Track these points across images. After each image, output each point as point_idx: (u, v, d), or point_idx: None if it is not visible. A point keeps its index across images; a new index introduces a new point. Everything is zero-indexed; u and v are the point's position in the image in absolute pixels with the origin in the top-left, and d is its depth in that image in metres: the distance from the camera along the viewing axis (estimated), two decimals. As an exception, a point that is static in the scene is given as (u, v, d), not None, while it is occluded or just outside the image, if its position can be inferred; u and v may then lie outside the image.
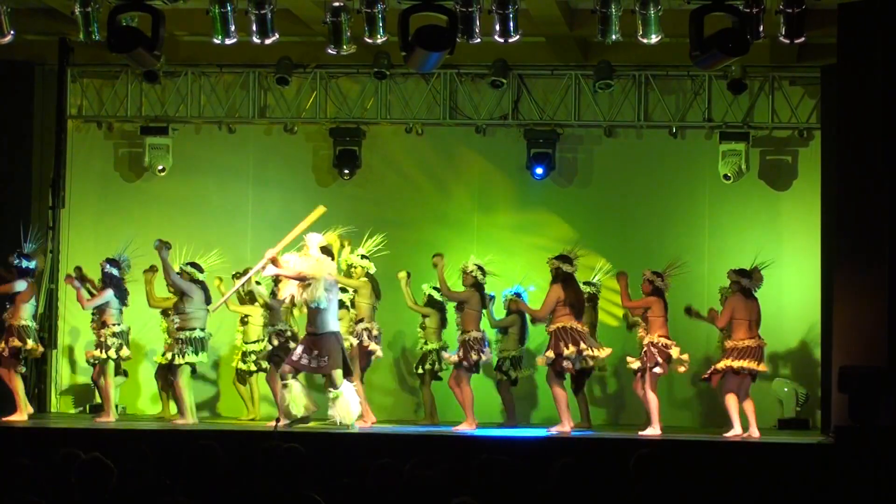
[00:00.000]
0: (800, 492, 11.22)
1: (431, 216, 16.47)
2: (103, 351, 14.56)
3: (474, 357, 14.11)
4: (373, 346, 14.44)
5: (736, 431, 13.59)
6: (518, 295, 14.91)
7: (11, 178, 16.17)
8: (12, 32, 13.50)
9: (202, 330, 14.52)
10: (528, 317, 14.70)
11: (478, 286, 14.34)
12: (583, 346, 13.68)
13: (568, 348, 13.65)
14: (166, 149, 16.47)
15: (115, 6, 12.66)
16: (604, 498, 7.64)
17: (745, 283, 13.87)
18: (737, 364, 13.65)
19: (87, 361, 15.22)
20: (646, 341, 13.89)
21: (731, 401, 13.71)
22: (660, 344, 13.81)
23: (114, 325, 14.58)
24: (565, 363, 13.71)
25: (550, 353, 13.74)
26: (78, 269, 15.15)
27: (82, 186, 16.69)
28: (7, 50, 14.20)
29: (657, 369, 13.79)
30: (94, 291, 14.79)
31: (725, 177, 15.70)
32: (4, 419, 14.23)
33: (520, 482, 7.31)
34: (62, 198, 16.47)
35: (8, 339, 14.47)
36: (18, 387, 14.54)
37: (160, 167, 16.45)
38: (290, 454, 7.58)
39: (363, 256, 14.55)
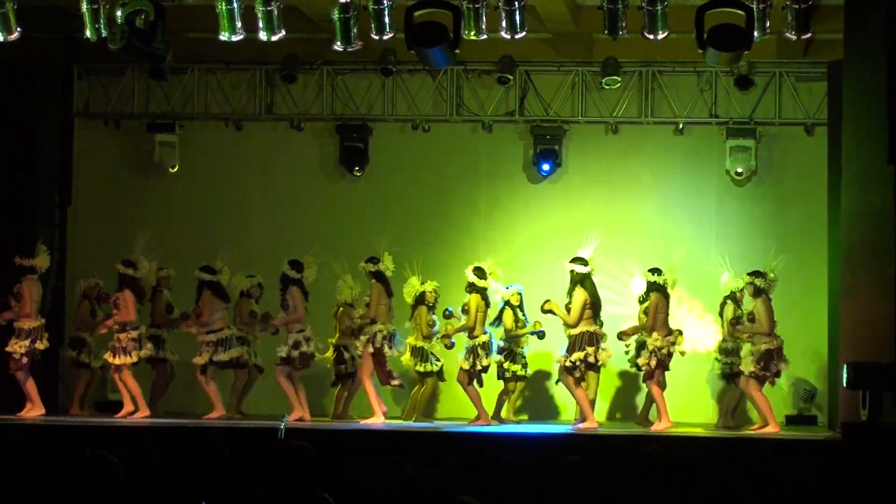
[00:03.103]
0: (806, 487, 11.21)
1: (437, 213, 16.45)
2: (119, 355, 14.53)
3: (484, 362, 14.09)
4: (385, 348, 14.33)
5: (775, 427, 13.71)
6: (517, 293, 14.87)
7: (17, 175, 16.16)
8: (19, 30, 13.50)
9: (220, 331, 14.49)
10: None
11: (476, 289, 14.20)
12: (590, 349, 13.66)
13: (592, 353, 13.62)
14: (173, 146, 16.49)
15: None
16: (611, 494, 7.65)
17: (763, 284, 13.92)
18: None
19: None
20: (649, 341, 13.89)
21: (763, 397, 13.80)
22: (664, 340, 13.81)
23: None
24: (577, 364, 13.72)
25: (567, 355, 13.68)
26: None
27: (88, 183, 16.69)
28: (14, 47, 14.19)
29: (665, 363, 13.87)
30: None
31: (738, 173, 15.70)
32: (16, 415, 14.26)
33: (527, 479, 7.32)
34: (69, 195, 16.47)
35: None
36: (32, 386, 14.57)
37: (172, 165, 16.47)
38: (298, 451, 7.58)
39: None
